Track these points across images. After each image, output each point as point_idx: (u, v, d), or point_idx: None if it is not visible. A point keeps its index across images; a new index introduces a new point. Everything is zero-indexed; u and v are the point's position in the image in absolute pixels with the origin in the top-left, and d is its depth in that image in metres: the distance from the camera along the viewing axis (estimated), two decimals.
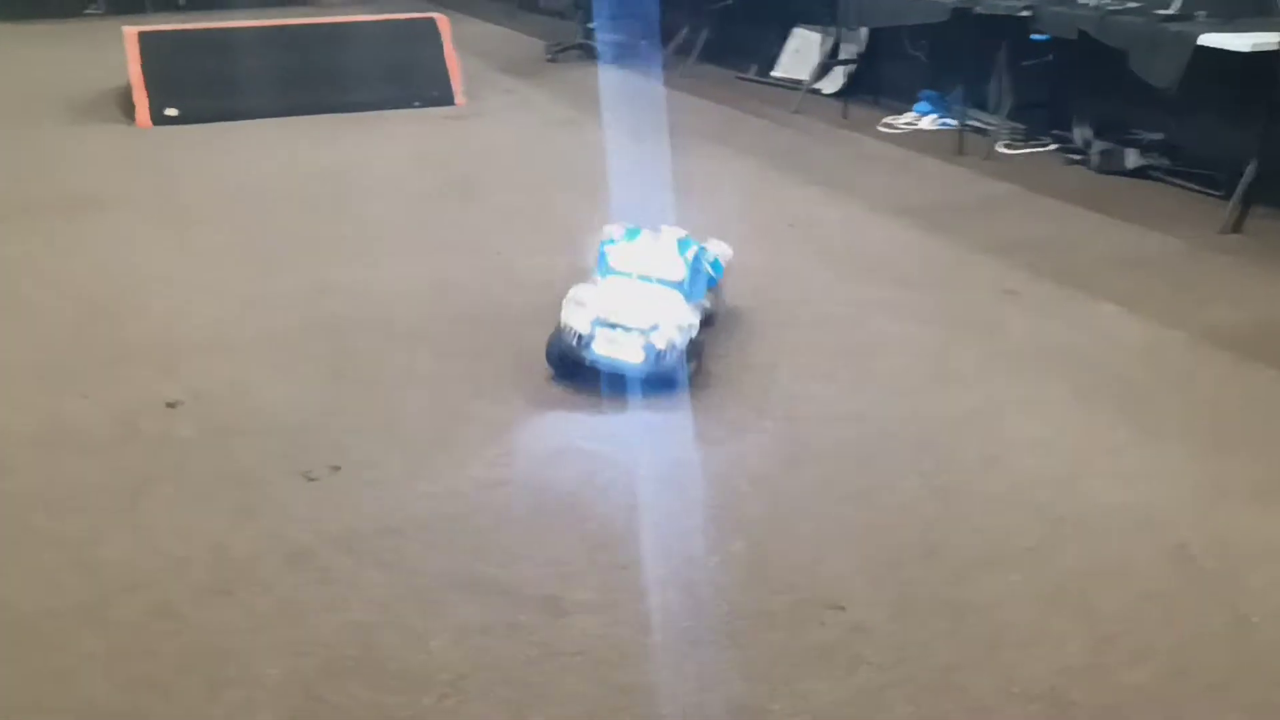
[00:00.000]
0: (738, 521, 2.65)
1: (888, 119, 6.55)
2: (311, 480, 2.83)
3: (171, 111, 6.51)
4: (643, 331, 3.14)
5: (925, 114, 6.54)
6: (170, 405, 3.20)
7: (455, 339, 3.66)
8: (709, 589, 2.41)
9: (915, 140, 6.22)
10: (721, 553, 2.54)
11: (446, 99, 6.97)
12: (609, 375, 3.20)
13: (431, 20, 7.19)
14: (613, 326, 3.15)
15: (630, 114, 6.75)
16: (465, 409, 3.19)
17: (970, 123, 6.09)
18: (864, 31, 6.99)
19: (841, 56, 7.11)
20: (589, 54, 8.51)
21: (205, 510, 2.70)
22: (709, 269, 3.49)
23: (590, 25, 8.59)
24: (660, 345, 3.13)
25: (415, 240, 4.60)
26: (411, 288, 4.07)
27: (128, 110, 6.55)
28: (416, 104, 6.90)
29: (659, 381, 3.20)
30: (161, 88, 6.55)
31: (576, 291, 3.24)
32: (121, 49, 6.72)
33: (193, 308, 3.89)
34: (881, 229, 4.74)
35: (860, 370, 3.44)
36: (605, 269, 3.36)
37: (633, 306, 3.18)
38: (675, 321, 3.18)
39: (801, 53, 7.50)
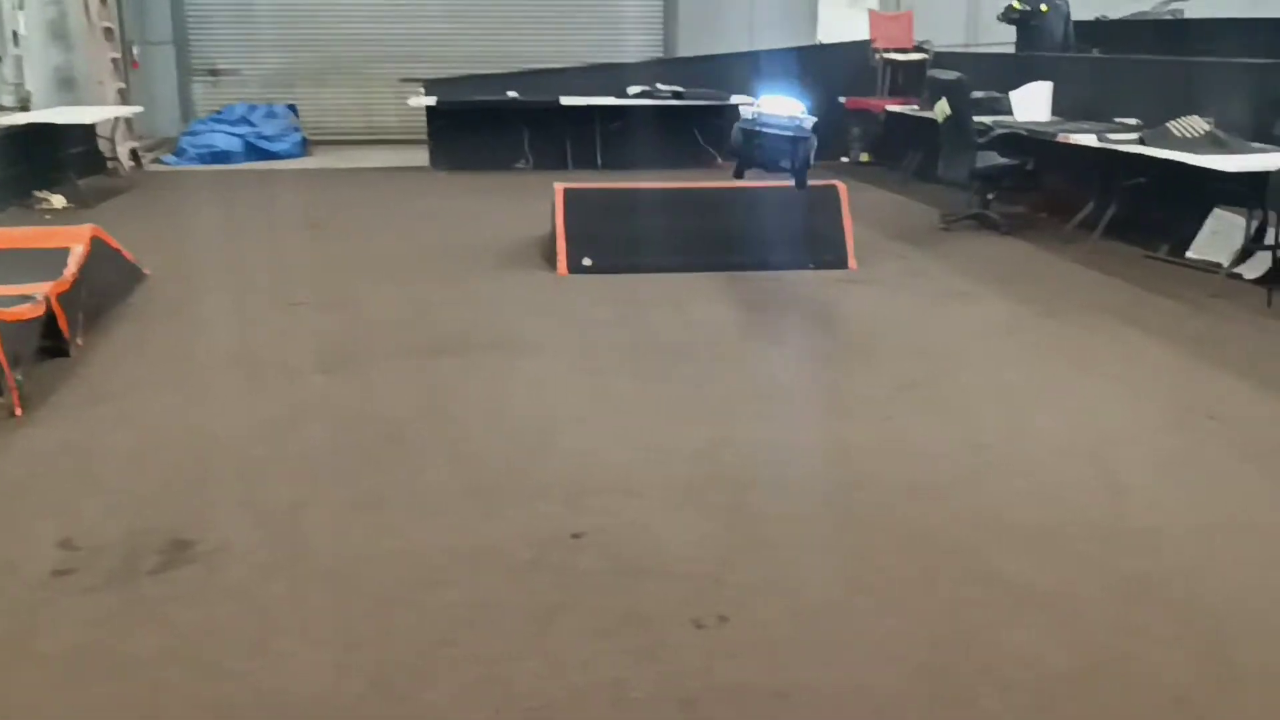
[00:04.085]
0: None
1: None
2: (700, 628, 2.91)
3: (587, 261, 7.06)
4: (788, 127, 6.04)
5: None
6: (575, 537, 3.41)
7: (846, 504, 3.67)
8: None
9: None
10: None
11: (840, 263, 7.13)
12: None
13: (833, 187, 7.41)
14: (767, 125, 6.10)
15: (1027, 288, 6.61)
16: (859, 578, 3.18)
17: None
18: None
19: (1267, 241, 6.64)
20: (985, 224, 8.45)
21: (606, 645, 2.82)
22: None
23: (989, 196, 8.54)
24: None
25: (811, 401, 4.69)
26: (808, 450, 4.13)
27: (549, 258, 7.16)
28: (811, 266, 7.10)
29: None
30: (580, 239, 7.13)
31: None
32: (544, 201, 7.40)
33: (602, 449, 4.14)
34: None
35: None
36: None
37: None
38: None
39: (1220, 235, 7.07)
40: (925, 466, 3.98)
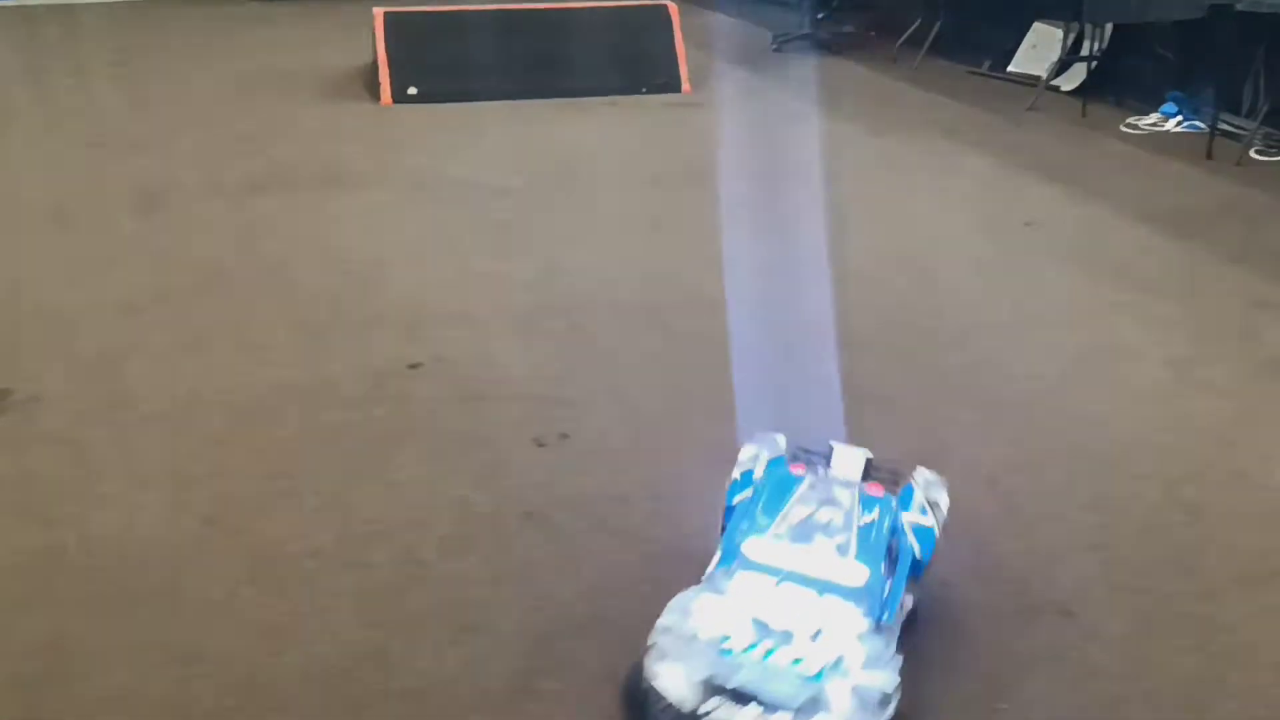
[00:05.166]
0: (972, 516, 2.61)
1: (1131, 119, 6.28)
2: (542, 446, 2.94)
3: (412, 90, 6.81)
4: (797, 712, 1.68)
5: (1171, 115, 6.23)
6: (413, 367, 3.38)
7: (681, 320, 3.72)
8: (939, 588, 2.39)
9: (1160, 142, 5.94)
10: (951, 552, 2.50)
11: (674, 86, 7.06)
12: None
13: (663, 7, 7.29)
14: (741, 700, 1.69)
15: (857, 106, 6.69)
16: (688, 387, 3.25)
17: (1222, 126, 5.77)
18: (1108, 27, 6.71)
19: (1082, 53, 6.84)
20: (817, 45, 8.46)
21: (448, 468, 2.84)
22: (914, 543, 2.07)
23: (819, 16, 8.53)
24: None
25: (644, 225, 4.69)
26: (641, 272, 4.15)
27: (372, 88, 6.89)
28: (644, 90, 7.01)
29: None
30: (404, 67, 6.86)
31: (681, 601, 1.88)
32: (365, 29, 7.07)
33: (436, 281, 4.07)
34: (1125, 232, 4.56)
35: (1103, 375, 3.33)
36: (733, 553, 1.95)
37: (786, 653, 1.75)
38: (857, 683, 1.71)
39: (1039, 48, 7.25)
40: (757, 281, 4.04)
